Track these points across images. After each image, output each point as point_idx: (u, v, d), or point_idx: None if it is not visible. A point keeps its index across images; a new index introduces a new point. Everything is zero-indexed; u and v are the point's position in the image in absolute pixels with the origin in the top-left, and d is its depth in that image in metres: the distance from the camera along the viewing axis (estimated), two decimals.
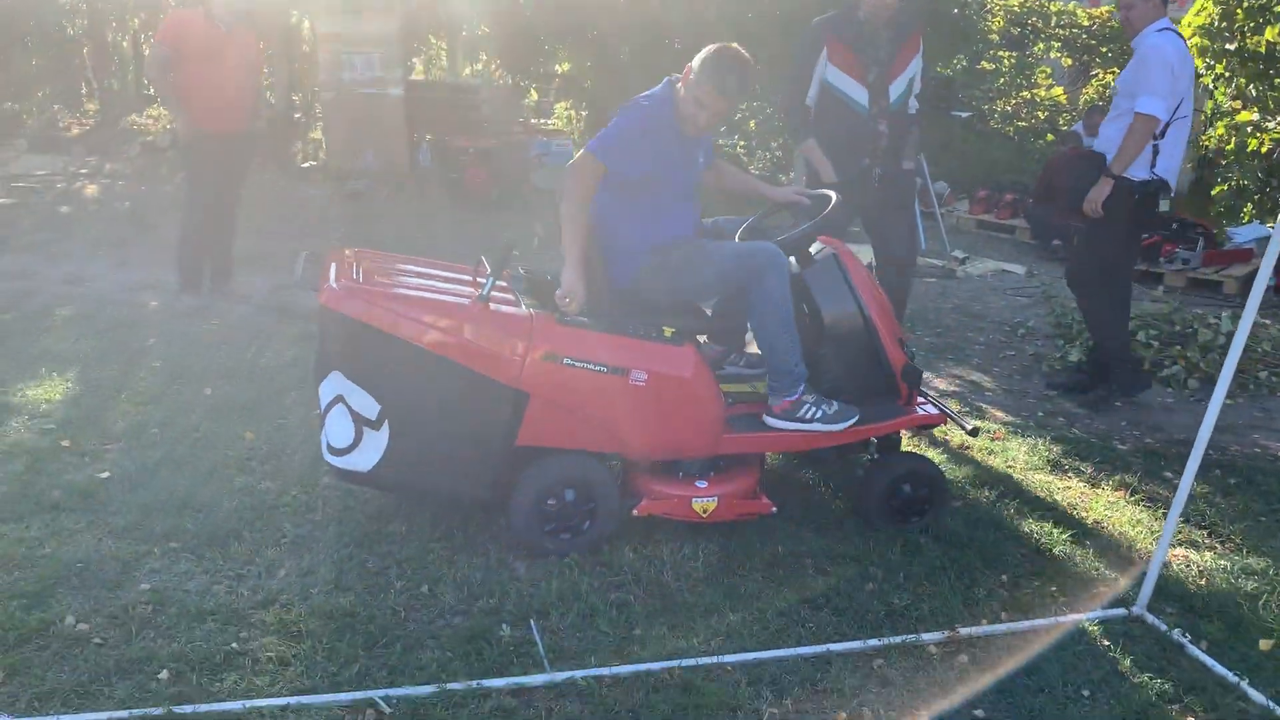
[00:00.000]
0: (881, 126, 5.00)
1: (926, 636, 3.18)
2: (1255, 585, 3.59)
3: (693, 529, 3.72)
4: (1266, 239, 9.14)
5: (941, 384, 5.74)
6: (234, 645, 2.93)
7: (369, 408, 3.36)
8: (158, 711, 2.61)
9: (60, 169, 11.54)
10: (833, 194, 3.95)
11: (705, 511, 3.64)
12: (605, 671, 2.92)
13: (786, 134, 4.37)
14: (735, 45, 3.60)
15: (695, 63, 3.56)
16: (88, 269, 7.23)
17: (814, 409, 3.69)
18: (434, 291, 3.50)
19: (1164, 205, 5.06)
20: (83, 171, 11.43)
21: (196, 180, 6.32)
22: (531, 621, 3.12)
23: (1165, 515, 4.07)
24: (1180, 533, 4.00)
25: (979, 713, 2.84)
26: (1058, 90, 13.29)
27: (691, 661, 2.98)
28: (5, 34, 13.61)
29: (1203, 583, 3.62)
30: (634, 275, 3.70)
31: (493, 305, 3.43)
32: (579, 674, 2.90)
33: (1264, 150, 9.01)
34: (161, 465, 4.04)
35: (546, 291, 3.73)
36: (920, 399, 4.00)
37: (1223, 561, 3.79)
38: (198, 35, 6.01)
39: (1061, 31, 13.20)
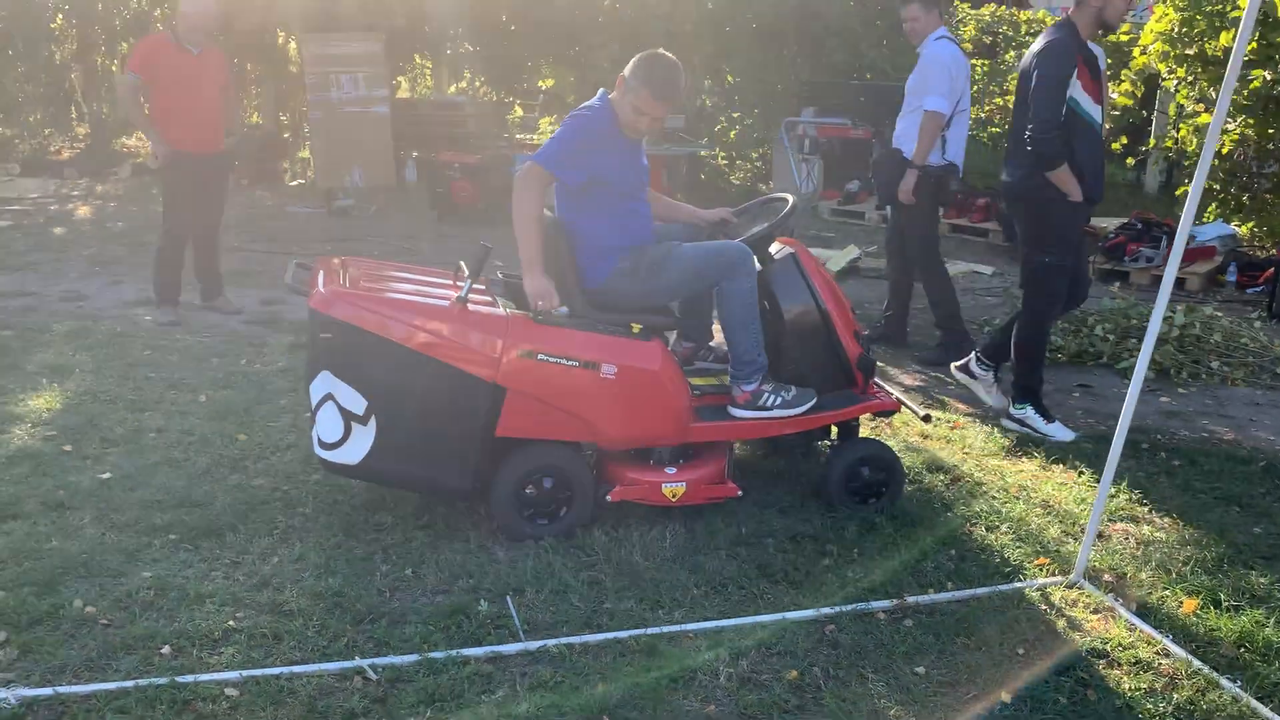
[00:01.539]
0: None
1: (876, 604, 3.42)
2: (1187, 554, 3.84)
3: (663, 513, 3.96)
4: (1231, 236, 9.44)
5: (907, 379, 5.99)
6: (231, 623, 3.16)
7: (356, 403, 3.59)
8: (161, 681, 2.83)
9: (52, 191, 11.78)
10: (790, 197, 4.20)
11: (674, 496, 3.87)
12: (576, 640, 3.15)
13: (1026, 156, 4.06)
14: (663, 51, 3.87)
15: (627, 72, 3.81)
16: (83, 287, 7.46)
17: (773, 396, 3.93)
18: (416, 295, 3.74)
19: (954, 185, 6.31)
20: (74, 194, 11.68)
21: (173, 200, 6.52)
22: (508, 598, 3.35)
23: (1108, 497, 4.34)
24: (1125, 509, 4.24)
25: (919, 669, 3.07)
26: None
27: (656, 630, 3.21)
28: None
29: (1139, 554, 3.86)
30: (606, 276, 3.94)
31: (471, 306, 3.67)
32: (551, 642, 3.13)
33: (1224, 151, 9.32)
34: (160, 466, 4.27)
35: (525, 294, 3.97)
36: (877, 389, 4.24)
37: (1159, 534, 4.03)
38: (169, 60, 6.24)
39: (1031, 39, 13.48)
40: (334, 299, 3.55)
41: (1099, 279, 8.71)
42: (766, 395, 3.94)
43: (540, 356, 3.64)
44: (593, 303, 3.87)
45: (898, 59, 12.15)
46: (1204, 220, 9.71)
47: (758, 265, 4.12)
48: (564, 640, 3.14)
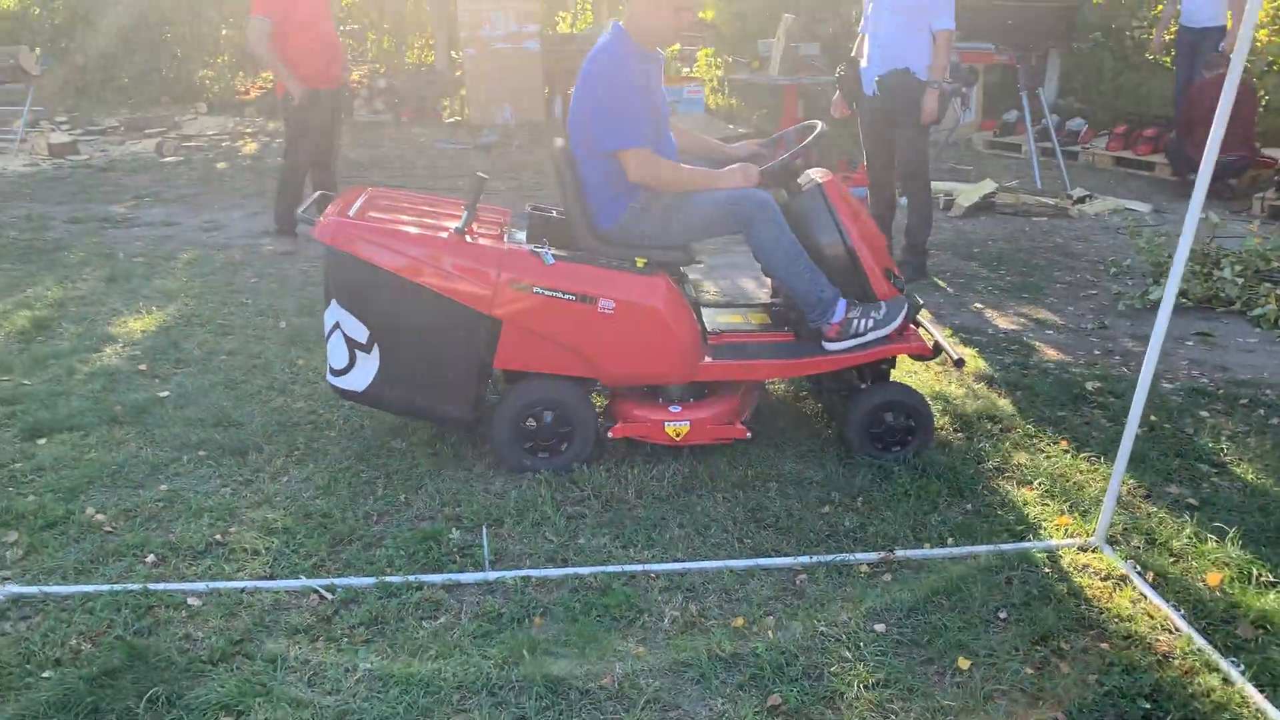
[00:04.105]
0: None
1: (860, 556, 3.24)
2: (1239, 523, 3.44)
3: (672, 452, 3.88)
4: None
5: (1004, 322, 5.61)
6: (218, 537, 3.32)
7: (360, 332, 3.67)
8: (134, 587, 3.02)
9: (230, 129, 12.53)
10: (819, 123, 3.97)
11: (678, 435, 3.78)
12: (535, 573, 3.15)
13: None
14: None
15: None
16: (223, 218, 7.93)
17: (863, 320, 3.79)
18: (421, 226, 3.77)
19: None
20: (248, 131, 12.37)
21: (302, 136, 6.77)
22: (483, 527, 3.38)
23: (1176, 454, 3.96)
24: (1186, 469, 3.85)
25: (879, 626, 2.90)
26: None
27: (617, 568, 3.16)
28: (193, 6, 14.76)
29: (1183, 518, 3.49)
30: (618, 217, 3.83)
31: (470, 238, 3.67)
32: (509, 574, 3.14)
33: None
34: (216, 387, 4.51)
35: (551, 228, 3.94)
36: (912, 331, 3.98)
37: (1218, 498, 3.63)
38: (296, 2, 6.44)
39: None
40: (334, 229, 3.62)
41: (1268, 216, 7.87)
42: (856, 321, 3.79)
43: (536, 289, 3.60)
44: (604, 242, 3.79)
45: None
46: None
47: (784, 196, 3.95)
48: (521, 573, 3.14)
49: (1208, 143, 2.86)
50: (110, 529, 3.37)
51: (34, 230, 7.33)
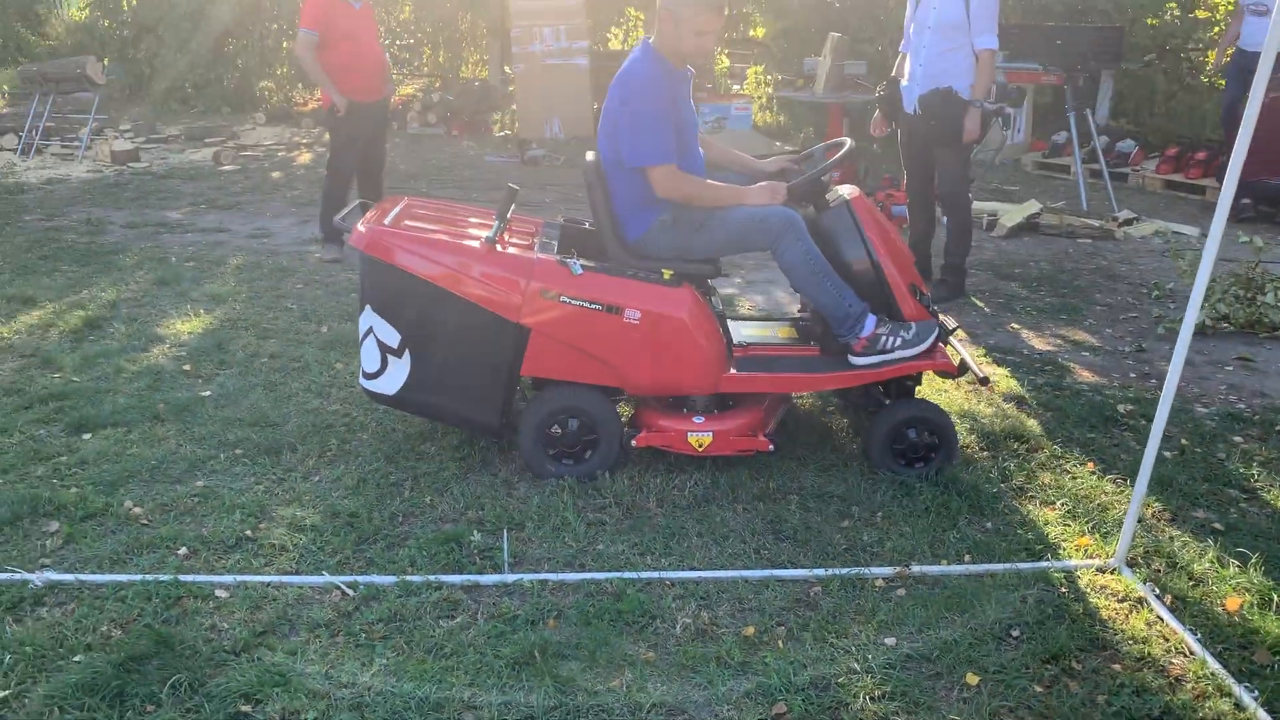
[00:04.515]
0: None
1: (875, 570, 3.26)
2: (1266, 548, 3.40)
3: (696, 463, 3.92)
4: None
5: (1039, 343, 5.57)
6: (248, 533, 3.42)
7: (392, 337, 3.76)
8: (165, 578, 3.12)
9: (286, 140, 12.81)
10: (847, 139, 4.00)
11: (701, 446, 3.82)
12: (552, 576, 3.20)
13: None
14: None
15: (669, 3, 3.70)
16: (274, 225, 8.12)
17: (891, 338, 3.81)
18: (454, 235, 3.86)
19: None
20: (304, 141, 12.64)
21: (345, 147, 6.93)
22: (504, 531, 3.44)
23: (1205, 479, 3.92)
24: (1216, 494, 3.81)
25: (889, 640, 2.91)
26: None
27: (633, 574, 3.21)
28: (255, 17, 15.14)
29: (1207, 542, 3.46)
30: (646, 230, 3.89)
31: (500, 248, 3.75)
32: (527, 577, 3.20)
33: None
34: (255, 388, 4.63)
35: (582, 239, 4.02)
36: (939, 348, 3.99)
37: (1246, 523, 3.59)
38: (339, 15, 6.61)
39: None
40: (369, 236, 3.72)
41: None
42: (885, 338, 3.82)
43: (563, 299, 3.67)
44: (632, 253, 3.85)
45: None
46: None
47: (813, 211, 3.99)
48: (539, 576, 3.20)
49: (1229, 163, 2.84)
50: (146, 522, 3.48)
51: (92, 234, 7.56)
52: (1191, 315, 3.00)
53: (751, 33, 15.08)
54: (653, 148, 3.73)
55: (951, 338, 4.05)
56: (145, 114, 14.03)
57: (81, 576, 3.14)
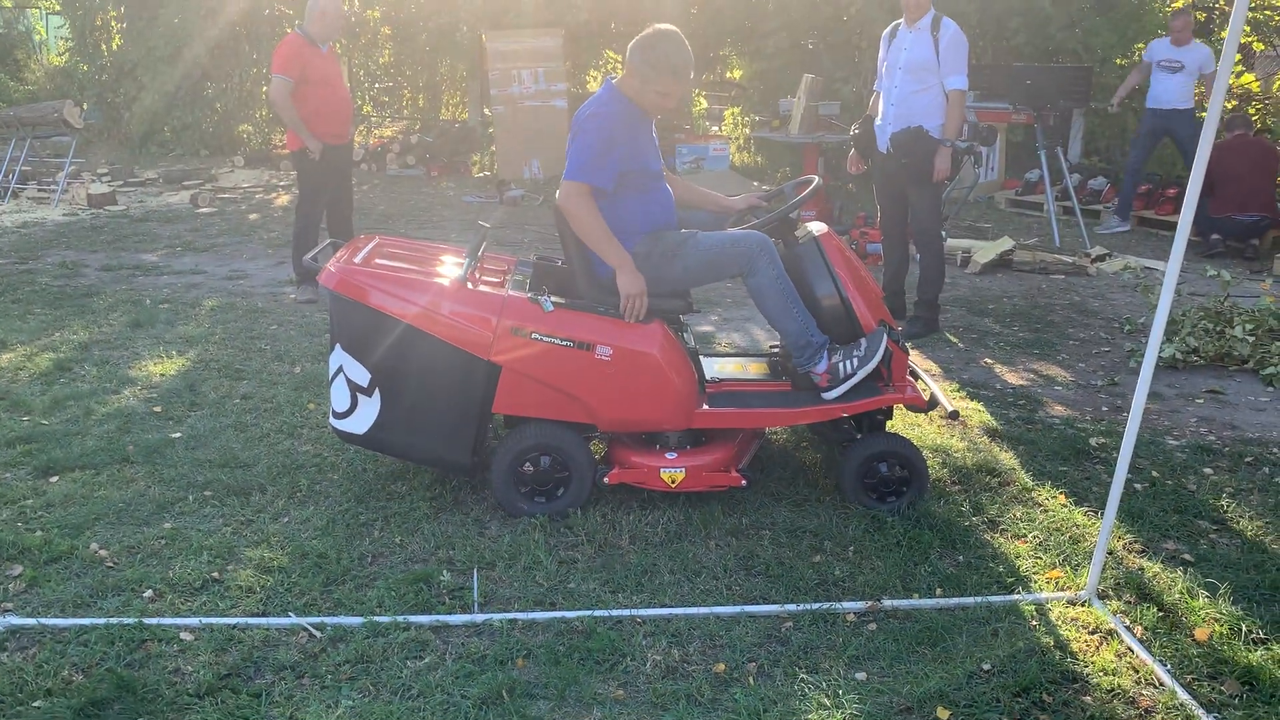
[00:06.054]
0: None
1: (847, 605, 3.24)
2: (1235, 579, 3.41)
3: (669, 499, 3.91)
4: None
5: (1013, 378, 5.61)
6: (215, 574, 3.38)
7: (362, 376, 3.75)
8: (129, 621, 3.08)
9: (264, 182, 12.82)
10: (815, 177, 4.04)
11: (673, 482, 3.81)
12: (521, 615, 3.18)
13: None
14: (660, 27, 3.80)
15: (636, 61, 3.75)
16: (249, 267, 8.11)
17: (847, 363, 3.83)
18: (425, 273, 3.86)
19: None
20: (282, 184, 12.66)
21: (315, 189, 6.98)
22: (475, 570, 3.41)
23: (1176, 511, 3.94)
24: (1186, 525, 3.83)
25: (860, 675, 2.90)
26: (1248, 77, 12.29)
27: (604, 613, 3.18)
28: (234, 60, 15.20)
29: (1177, 574, 3.47)
30: None
31: (471, 285, 3.75)
32: (496, 616, 3.17)
33: None
34: (226, 429, 4.60)
35: (555, 277, 4.03)
36: (908, 383, 4.01)
37: (1215, 554, 3.60)
38: (310, 60, 6.67)
39: (1251, 14, 12.23)
40: (339, 275, 3.72)
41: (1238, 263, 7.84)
42: (841, 364, 3.83)
43: (535, 336, 3.67)
44: (603, 290, 3.86)
45: (1090, 40, 11.34)
46: None
47: (782, 246, 4.02)
48: (508, 615, 3.17)
49: (1185, 196, 2.88)
50: (112, 564, 3.44)
51: (67, 277, 7.53)
52: (1154, 345, 3.03)
53: (729, 74, 15.25)
54: (579, 165, 3.75)
55: (921, 372, 4.07)
56: (123, 157, 14.04)
57: (44, 620, 3.09)
